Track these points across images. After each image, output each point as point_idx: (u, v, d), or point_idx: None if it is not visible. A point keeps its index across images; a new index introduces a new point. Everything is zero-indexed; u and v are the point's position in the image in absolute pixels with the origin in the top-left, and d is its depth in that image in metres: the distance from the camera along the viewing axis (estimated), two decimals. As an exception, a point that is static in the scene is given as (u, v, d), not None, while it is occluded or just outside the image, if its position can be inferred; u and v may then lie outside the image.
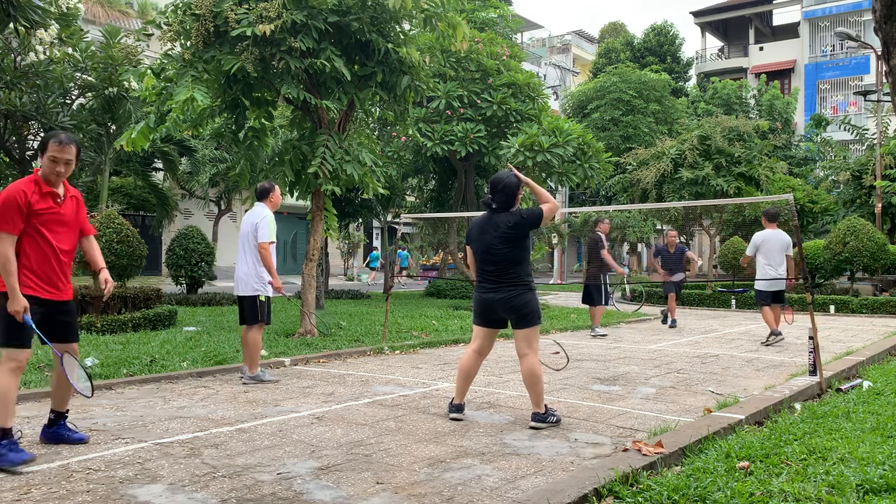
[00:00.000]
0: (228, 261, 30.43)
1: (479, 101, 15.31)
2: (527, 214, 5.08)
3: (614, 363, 8.23)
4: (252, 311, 6.76)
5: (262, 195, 7.01)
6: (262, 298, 6.79)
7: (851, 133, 23.18)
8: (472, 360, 5.30)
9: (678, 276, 12.73)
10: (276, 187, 7.10)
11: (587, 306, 11.69)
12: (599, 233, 11.46)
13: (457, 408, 5.29)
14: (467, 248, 5.39)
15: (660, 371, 7.65)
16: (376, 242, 38.01)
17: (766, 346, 9.86)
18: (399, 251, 34.52)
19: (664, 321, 12.86)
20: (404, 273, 32.41)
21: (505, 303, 5.07)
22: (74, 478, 3.84)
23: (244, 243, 6.87)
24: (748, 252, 10.18)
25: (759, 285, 10.07)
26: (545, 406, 5.08)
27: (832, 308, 15.71)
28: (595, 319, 11.30)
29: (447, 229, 20.61)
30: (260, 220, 6.80)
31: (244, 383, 6.70)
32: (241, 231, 6.95)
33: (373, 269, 33.51)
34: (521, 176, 5.19)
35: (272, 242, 6.81)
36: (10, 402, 4.06)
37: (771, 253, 9.85)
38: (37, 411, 5.44)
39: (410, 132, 13.78)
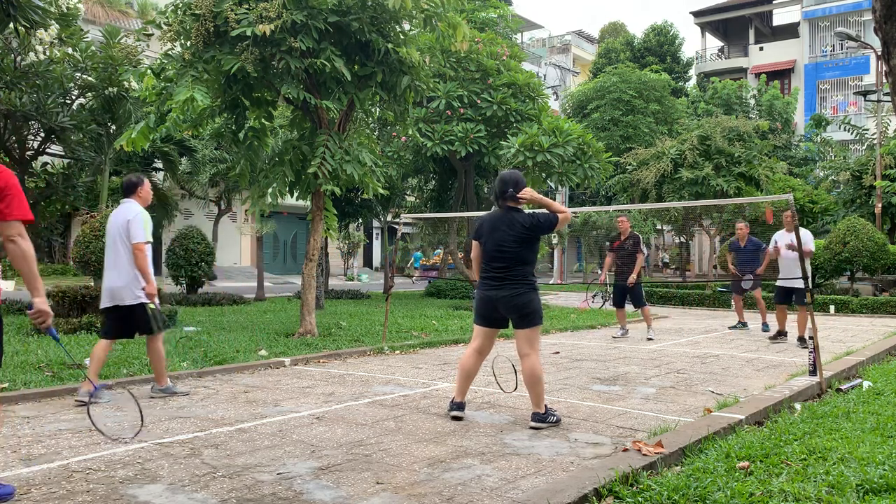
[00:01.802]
0: (228, 261, 30.46)
1: (479, 101, 15.30)
2: (544, 219, 5.13)
3: (614, 363, 8.23)
4: (146, 321, 5.86)
5: (130, 190, 6.00)
6: (152, 306, 5.89)
7: (851, 133, 23.21)
8: (472, 359, 5.31)
9: (747, 283, 11.58)
10: (146, 181, 6.12)
11: (627, 309, 11.05)
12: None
13: (457, 406, 5.29)
14: (474, 243, 5.36)
15: (660, 371, 7.65)
16: (375, 242, 38.15)
17: (773, 341, 10.37)
18: (415, 252, 35.42)
19: (765, 329, 11.57)
20: (417, 273, 33.12)
21: (508, 301, 5.07)
22: (74, 478, 3.84)
23: (115, 247, 5.84)
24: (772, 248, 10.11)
25: (794, 283, 9.63)
26: (545, 406, 5.09)
27: (832, 308, 15.70)
28: (648, 321, 10.83)
29: (447, 229, 20.60)
30: (132, 216, 5.82)
31: (151, 397, 5.99)
32: (109, 232, 5.90)
33: (416, 268, 35.10)
34: (537, 195, 5.21)
35: (148, 242, 5.86)
36: None
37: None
38: (36, 411, 5.44)
39: (410, 132, 13.78)
